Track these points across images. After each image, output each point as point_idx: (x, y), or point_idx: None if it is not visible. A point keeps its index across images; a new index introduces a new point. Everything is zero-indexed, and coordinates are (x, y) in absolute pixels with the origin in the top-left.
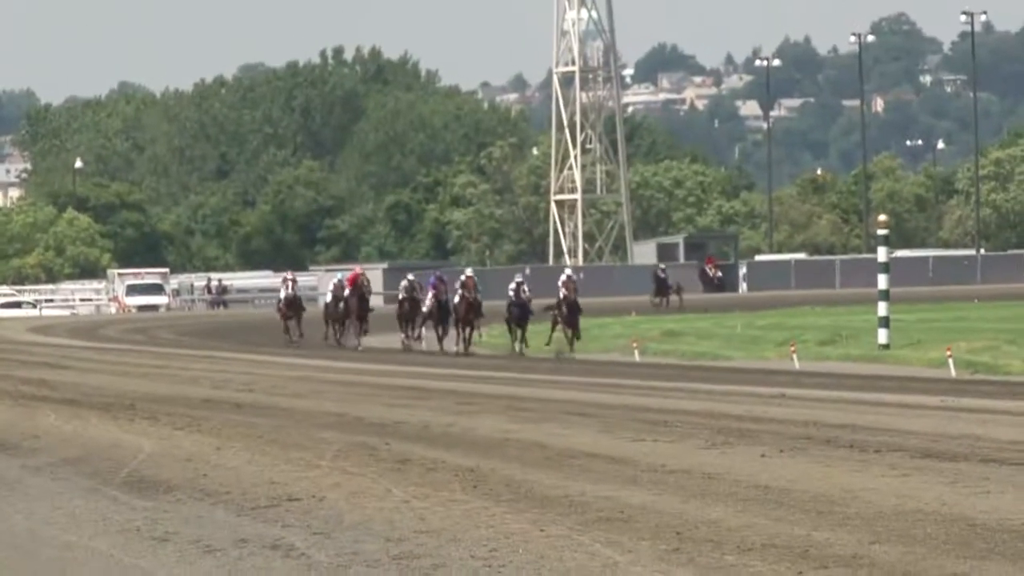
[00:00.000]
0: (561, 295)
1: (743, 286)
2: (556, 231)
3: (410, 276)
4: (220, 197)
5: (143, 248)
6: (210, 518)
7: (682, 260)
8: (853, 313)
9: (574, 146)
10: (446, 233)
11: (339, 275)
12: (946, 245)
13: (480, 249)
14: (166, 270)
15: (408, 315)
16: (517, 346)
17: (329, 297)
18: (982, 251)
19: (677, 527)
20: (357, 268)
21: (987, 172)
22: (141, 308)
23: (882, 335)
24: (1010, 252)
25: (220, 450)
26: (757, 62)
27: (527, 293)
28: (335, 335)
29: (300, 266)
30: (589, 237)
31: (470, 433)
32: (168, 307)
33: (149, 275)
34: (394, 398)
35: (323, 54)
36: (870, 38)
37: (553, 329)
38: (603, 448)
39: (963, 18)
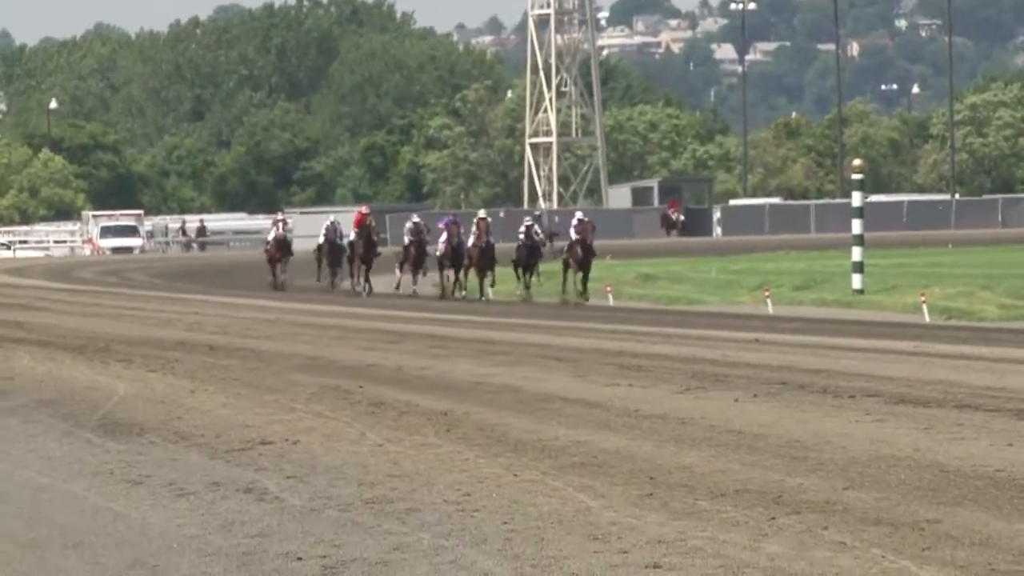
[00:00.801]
0: (574, 237)
1: (717, 230)
2: (531, 174)
3: (415, 218)
4: (195, 139)
5: (118, 190)
6: (184, 461)
7: (657, 204)
8: (827, 258)
9: (549, 89)
10: (421, 176)
11: (331, 216)
12: (920, 190)
13: (455, 192)
14: (140, 212)
15: (416, 259)
16: (519, 290)
17: (321, 239)
18: (957, 196)
19: (650, 472)
20: (363, 208)
21: (962, 117)
22: (115, 250)
23: (856, 280)
24: (984, 197)
25: (194, 393)
26: (732, 5)
27: (540, 235)
28: (329, 278)
29: (275, 208)
30: (564, 180)
31: (444, 377)
32: (143, 249)
33: (124, 217)
34: (368, 341)
35: None
36: None
37: (566, 273)
38: (577, 392)
39: None
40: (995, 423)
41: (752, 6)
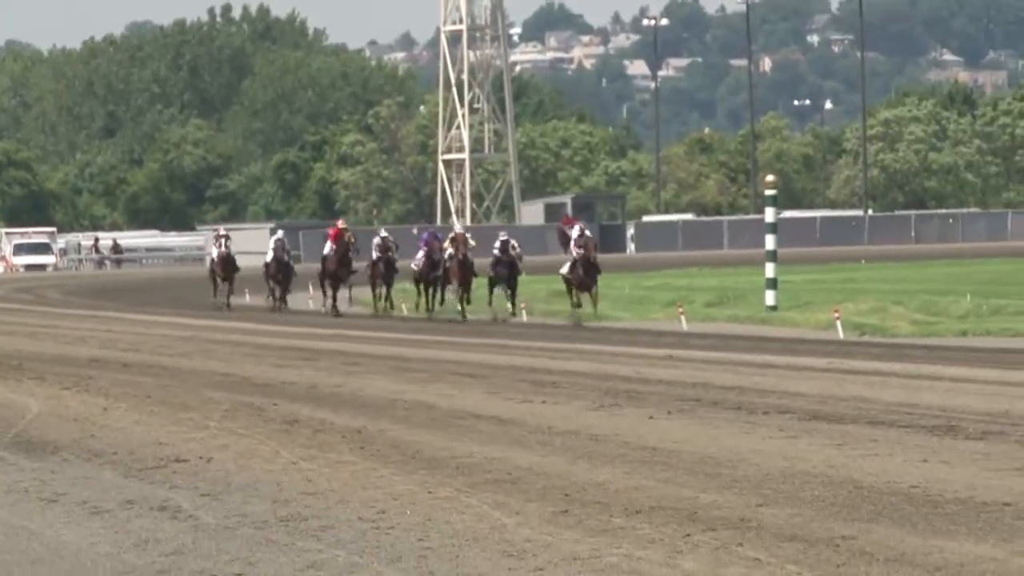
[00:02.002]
0: (575, 254)
1: (630, 247)
2: (444, 191)
3: (383, 232)
4: (108, 156)
5: (30, 207)
6: (98, 479)
7: None
8: (740, 274)
9: (461, 105)
10: (333, 192)
11: (278, 232)
12: (833, 206)
13: (367, 208)
14: (53, 229)
15: (385, 276)
16: (493, 309)
17: (270, 256)
18: (870, 212)
19: (565, 489)
20: (339, 222)
21: (875, 132)
22: (28, 267)
23: (770, 296)
24: (897, 213)
25: (107, 410)
26: (645, 21)
27: (516, 249)
28: (275, 298)
29: (187, 225)
30: (477, 197)
31: (358, 394)
32: (56, 266)
33: (36, 234)
34: (282, 359)
35: (211, 12)
36: None
37: (571, 292)
38: (491, 409)
39: None
40: (909, 439)
41: (664, 22)
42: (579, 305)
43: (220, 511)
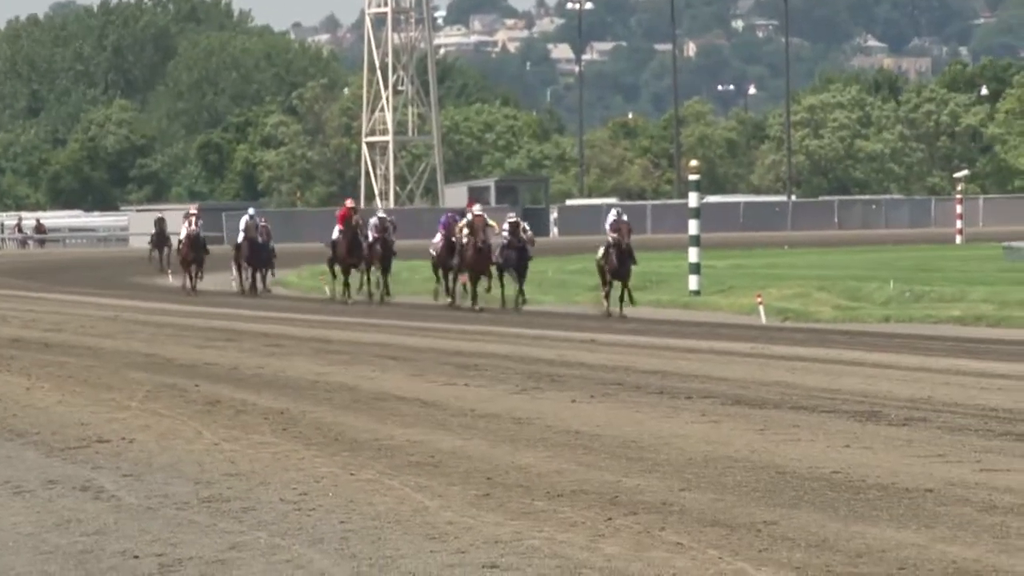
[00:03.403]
0: (610, 239)
1: (554, 230)
2: (367, 173)
3: (380, 212)
4: (31, 135)
5: None
6: (20, 459)
7: (493, 203)
8: (664, 259)
9: (385, 88)
10: (257, 174)
11: (250, 209)
12: (757, 191)
13: (291, 190)
14: None
15: (383, 260)
16: (504, 297)
17: (240, 237)
18: (793, 197)
19: (487, 472)
20: (348, 201)
21: (799, 118)
22: None
23: (693, 281)
24: (821, 199)
25: (30, 390)
26: (569, 5)
27: (528, 233)
28: (246, 282)
29: (111, 205)
30: (400, 179)
31: (280, 375)
32: None
33: None
34: (204, 339)
35: None
36: None
37: (604, 282)
38: (413, 392)
39: None
40: (831, 425)
41: (589, 6)
42: (608, 296)
43: (142, 491)
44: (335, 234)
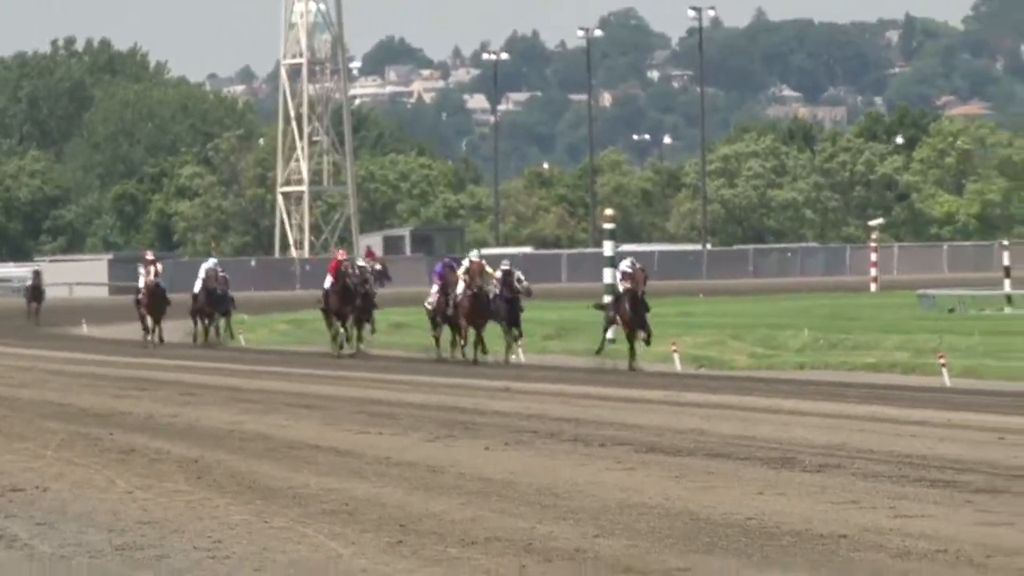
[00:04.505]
0: (622, 288)
1: None
2: (282, 223)
3: (361, 262)
4: None
5: None
6: None
7: (408, 252)
8: (579, 307)
9: (300, 138)
10: (172, 224)
11: (210, 260)
12: (673, 239)
13: (206, 240)
14: None
15: (362, 309)
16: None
17: (198, 286)
18: (708, 246)
19: (401, 519)
20: (339, 252)
21: (714, 167)
22: None
23: (608, 329)
24: (736, 247)
25: None
26: (485, 55)
27: (524, 283)
28: (203, 333)
29: (25, 256)
30: (316, 229)
31: (195, 424)
32: None
33: None
34: (119, 389)
35: (54, 44)
36: (598, 33)
37: (606, 332)
38: (328, 440)
39: (691, 13)
40: (745, 472)
41: (504, 56)
42: (635, 348)
43: (56, 540)
44: (327, 283)
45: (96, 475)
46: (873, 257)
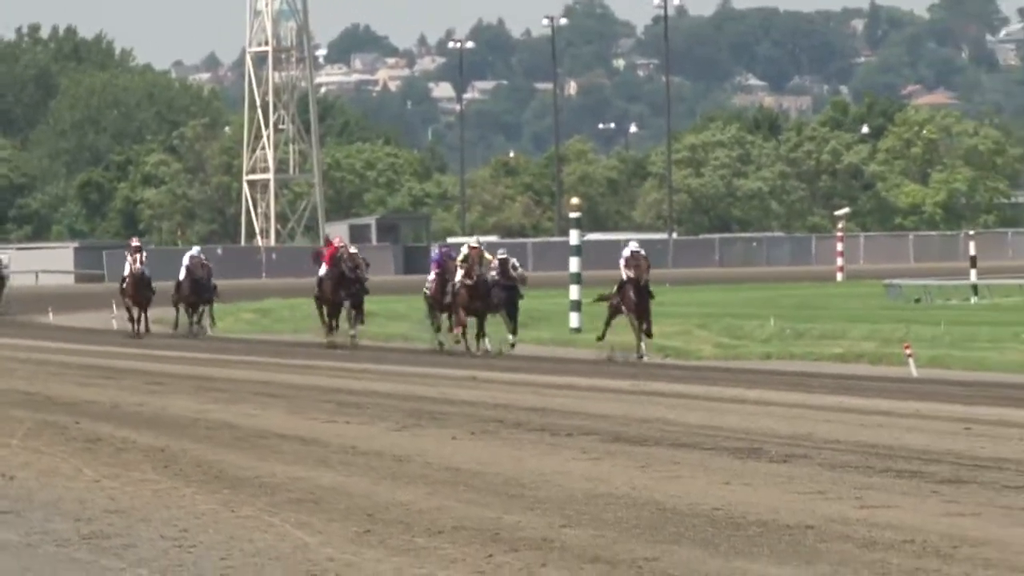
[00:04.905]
0: (625, 276)
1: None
2: (248, 211)
3: (352, 248)
4: None
5: None
6: None
7: (375, 241)
8: (545, 296)
9: (266, 126)
10: (138, 212)
11: (194, 248)
12: (639, 228)
13: (171, 228)
14: None
15: (354, 298)
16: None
17: (183, 275)
18: (675, 235)
19: (368, 509)
20: (336, 239)
21: (680, 157)
22: None
23: (574, 319)
24: (702, 236)
25: None
26: (451, 44)
27: (518, 270)
28: (189, 323)
29: None
30: (282, 217)
31: (161, 413)
32: None
33: None
34: (85, 377)
35: (19, 31)
36: (563, 21)
37: (609, 321)
38: (294, 429)
39: (656, 2)
40: (712, 462)
41: (470, 45)
42: (641, 336)
43: (22, 528)
44: (321, 271)
45: (63, 464)
46: (839, 247)
